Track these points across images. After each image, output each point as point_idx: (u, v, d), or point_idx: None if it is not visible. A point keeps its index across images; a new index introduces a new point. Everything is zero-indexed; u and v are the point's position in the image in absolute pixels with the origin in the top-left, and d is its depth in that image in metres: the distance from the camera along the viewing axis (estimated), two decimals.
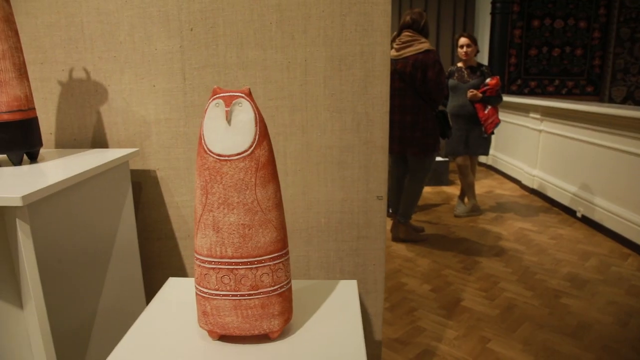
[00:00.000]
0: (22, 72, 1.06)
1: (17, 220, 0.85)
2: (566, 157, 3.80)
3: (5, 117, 1.04)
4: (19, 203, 0.83)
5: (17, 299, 1.12)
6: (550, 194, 4.02)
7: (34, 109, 1.09)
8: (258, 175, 0.81)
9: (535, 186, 4.26)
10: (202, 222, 0.83)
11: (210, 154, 0.80)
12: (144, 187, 1.33)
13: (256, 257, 0.83)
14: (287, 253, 0.87)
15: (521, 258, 3.05)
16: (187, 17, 1.24)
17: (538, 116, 4.13)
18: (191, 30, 1.24)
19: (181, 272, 1.38)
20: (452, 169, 4.92)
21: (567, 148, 3.79)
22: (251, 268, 0.83)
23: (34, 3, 1.25)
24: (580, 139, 3.61)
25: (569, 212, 3.74)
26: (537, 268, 2.91)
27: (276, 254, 0.84)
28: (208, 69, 1.26)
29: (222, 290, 0.83)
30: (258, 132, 0.80)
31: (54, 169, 1.05)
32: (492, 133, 3.51)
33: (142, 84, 1.28)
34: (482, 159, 5.01)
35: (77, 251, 1.21)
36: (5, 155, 1.09)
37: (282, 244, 0.85)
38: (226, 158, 0.80)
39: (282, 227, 0.85)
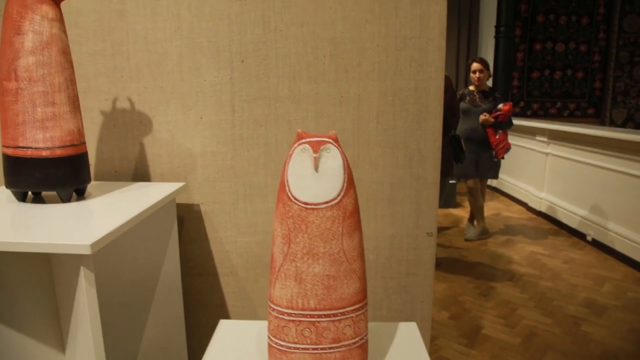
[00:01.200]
0: (75, 105, 1.02)
1: (82, 269, 0.80)
2: (574, 180, 3.82)
3: (58, 153, 0.99)
4: (87, 251, 0.78)
5: (58, 342, 1.07)
6: (559, 216, 4.02)
7: (85, 143, 1.05)
8: (345, 224, 0.77)
9: (542, 209, 4.27)
10: (283, 272, 0.79)
11: (296, 201, 0.76)
12: (186, 222, 1.28)
13: (339, 308, 0.79)
14: (367, 303, 0.83)
15: (536, 283, 3.03)
16: (238, 49, 1.21)
17: (545, 139, 4.15)
18: (242, 61, 1.21)
19: (222, 311, 1.33)
20: (459, 191, 4.92)
21: (575, 171, 3.81)
22: (334, 320, 0.79)
23: (79, 30, 1.21)
24: (588, 162, 3.63)
25: (579, 235, 3.75)
26: (554, 294, 2.88)
27: (359, 305, 0.81)
28: (258, 102, 1.22)
29: (302, 344, 0.79)
30: (346, 180, 0.77)
31: (109, 208, 1.00)
32: (503, 158, 3.51)
33: (189, 115, 1.24)
34: (488, 181, 5.02)
35: (124, 291, 1.16)
36: (51, 191, 1.04)
37: (364, 294, 0.81)
38: (313, 206, 0.76)
39: (364, 277, 0.82)
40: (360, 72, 1.21)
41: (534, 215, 4.41)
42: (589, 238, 3.62)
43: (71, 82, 1.01)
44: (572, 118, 5.26)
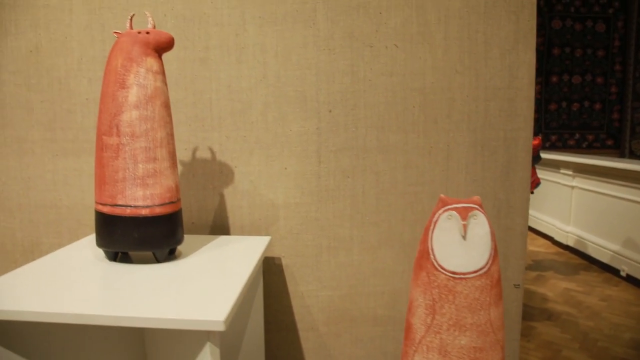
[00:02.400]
0: (174, 159, 0.98)
1: (208, 344, 0.74)
2: (603, 213, 3.78)
3: (158, 211, 0.95)
4: (220, 328, 0.72)
5: None
6: (589, 251, 3.96)
7: (180, 199, 1.01)
8: (492, 293, 0.73)
9: (570, 243, 4.21)
10: (425, 344, 0.74)
11: (442, 271, 0.72)
12: (266, 275, 1.23)
13: None
14: None
15: (576, 322, 2.95)
16: (325, 98, 1.18)
17: (570, 172, 4.13)
18: (330, 111, 1.18)
19: None
20: None
21: (603, 204, 3.77)
22: None
23: None
24: (616, 195, 3.59)
25: (611, 270, 3.68)
26: (597, 334, 2.81)
27: None
28: (345, 152, 1.19)
29: None
30: (493, 247, 0.73)
31: (211, 270, 0.94)
32: (532, 192, 3.48)
33: (272, 166, 1.20)
34: None
35: None
36: (147, 251, 0.99)
37: None
38: (461, 276, 0.72)
39: (504, 347, 0.77)
40: (450, 122, 1.18)
41: (560, 250, 4.35)
42: (623, 273, 3.56)
43: (171, 136, 0.98)
44: (591, 150, 5.26)
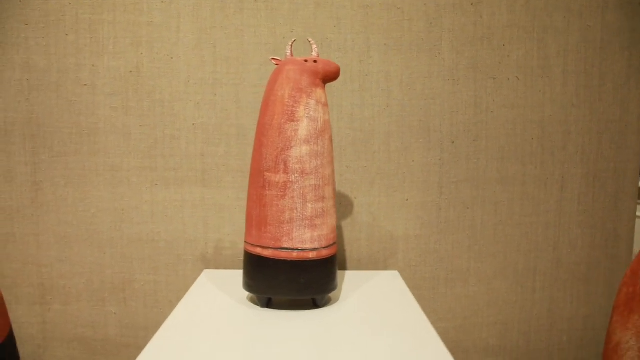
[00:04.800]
0: (335, 197, 0.93)
1: None
2: None
3: (324, 254, 0.89)
4: None
5: None
6: None
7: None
8: None
9: None
10: None
11: None
12: None
13: None
14: None
15: None
16: (449, 129, 1.16)
17: None
18: (452, 142, 1.17)
19: None
20: None
21: None
22: None
23: None
24: None
25: None
26: None
27: None
28: (466, 184, 1.18)
29: None
30: None
31: (379, 316, 0.89)
32: None
33: (393, 197, 1.17)
34: None
35: None
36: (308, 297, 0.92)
37: None
38: None
39: None
40: (565, 154, 1.20)
41: None
42: None
43: (334, 172, 0.92)
44: None
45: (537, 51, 1.17)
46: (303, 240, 0.87)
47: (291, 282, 0.88)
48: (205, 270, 1.12)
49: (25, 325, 1.20)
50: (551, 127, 1.19)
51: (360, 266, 1.18)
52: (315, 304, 0.91)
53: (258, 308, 0.91)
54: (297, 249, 0.87)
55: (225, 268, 1.17)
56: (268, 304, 0.91)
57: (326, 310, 0.91)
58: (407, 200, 1.17)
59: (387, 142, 1.16)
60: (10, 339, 0.93)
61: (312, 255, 0.87)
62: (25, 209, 1.17)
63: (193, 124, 1.14)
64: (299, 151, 0.86)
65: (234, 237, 1.16)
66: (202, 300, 0.94)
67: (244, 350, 0.75)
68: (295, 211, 0.86)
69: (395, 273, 1.12)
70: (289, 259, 0.87)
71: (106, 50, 1.12)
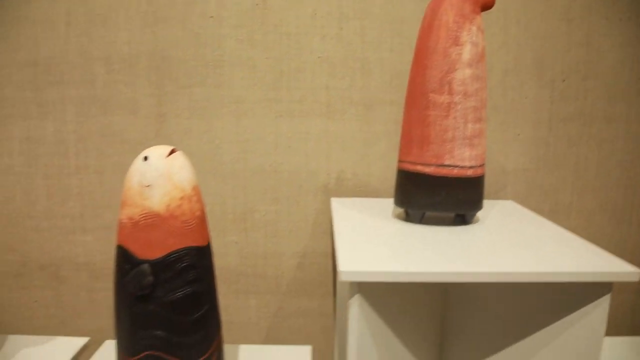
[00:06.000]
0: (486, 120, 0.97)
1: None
2: None
3: (479, 172, 0.94)
4: (635, 278, 0.75)
5: None
6: None
7: None
8: None
9: None
10: None
11: None
12: None
13: None
14: None
15: None
16: (560, 68, 1.21)
17: None
18: (563, 81, 1.22)
19: None
20: None
21: None
22: None
23: (402, 40, 1.16)
24: None
25: None
26: None
27: None
28: (573, 121, 1.24)
29: None
30: None
31: (504, 227, 0.95)
32: None
33: (507, 132, 1.22)
34: None
35: None
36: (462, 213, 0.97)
37: None
38: None
39: None
40: None
41: None
42: None
43: (487, 96, 0.97)
44: None
45: None
46: (463, 158, 0.92)
47: (450, 197, 0.92)
48: (333, 198, 1.16)
49: None
50: None
51: None
52: (464, 221, 0.97)
53: (411, 224, 0.96)
54: (457, 166, 0.91)
55: (348, 196, 1.21)
56: (421, 219, 0.96)
57: (476, 227, 0.96)
58: (518, 135, 1.23)
59: (503, 79, 1.20)
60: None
61: (469, 172, 0.92)
62: (149, 140, 1.19)
63: (318, 57, 1.17)
64: (463, 74, 0.90)
65: (356, 168, 1.21)
66: (355, 222, 0.98)
67: (424, 253, 0.80)
68: (457, 130, 0.91)
69: (511, 202, 1.17)
70: (449, 176, 0.91)
71: None
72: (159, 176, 0.70)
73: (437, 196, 0.93)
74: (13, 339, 1.07)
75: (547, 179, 1.25)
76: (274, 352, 1.04)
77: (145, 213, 0.70)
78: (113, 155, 1.21)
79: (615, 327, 1.31)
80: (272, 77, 1.17)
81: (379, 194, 1.22)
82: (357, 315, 0.74)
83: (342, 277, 0.70)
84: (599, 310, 0.76)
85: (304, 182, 1.21)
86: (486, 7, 0.94)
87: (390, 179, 1.22)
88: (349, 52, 1.17)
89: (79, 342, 1.06)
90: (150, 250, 0.70)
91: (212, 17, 1.15)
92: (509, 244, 0.85)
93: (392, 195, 1.21)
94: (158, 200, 0.70)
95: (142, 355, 0.73)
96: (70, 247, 1.27)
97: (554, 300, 0.82)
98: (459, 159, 0.92)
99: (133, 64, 1.17)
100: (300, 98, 1.18)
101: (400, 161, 0.97)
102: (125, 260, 0.72)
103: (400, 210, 1.03)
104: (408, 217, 0.99)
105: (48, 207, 1.25)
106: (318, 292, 1.27)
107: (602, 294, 0.75)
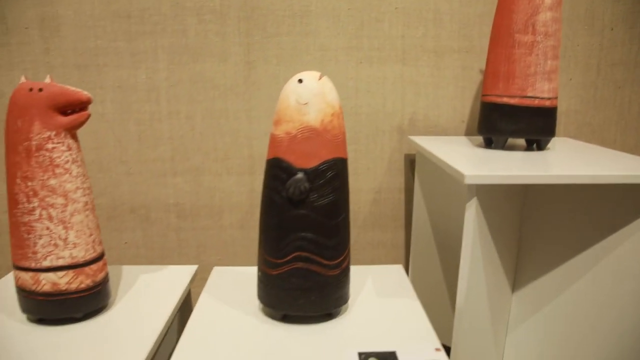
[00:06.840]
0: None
1: None
2: None
3: (555, 103, 1.08)
4: None
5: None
6: None
7: None
8: None
9: None
10: None
11: None
12: None
13: None
14: None
15: None
16: (610, 17, 1.35)
17: None
18: (611, 29, 1.35)
19: None
20: None
21: None
22: None
23: None
24: None
25: None
26: None
27: None
28: (620, 66, 1.38)
29: None
30: None
31: (576, 156, 1.10)
32: None
33: (560, 76, 1.36)
34: None
35: None
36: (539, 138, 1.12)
37: None
38: None
39: None
40: None
41: None
42: None
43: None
44: None
45: None
46: (542, 90, 1.05)
47: (531, 124, 1.07)
48: (410, 136, 1.30)
49: (235, 194, 1.36)
50: None
51: None
52: (539, 147, 1.11)
53: (494, 151, 1.09)
54: (538, 97, 1.05)
55: (421, 135, 1.34)
56: (504, 145, 1.10)
57: (549, 152, 1.10)
58: (570, 79, 1.36)
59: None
60: None
61: (547, 103, 1.06)
62: (238, 86, 1.31)
63: (395, 8, 1.28)
64: (545, 16, 1.03)
65: (427, 110, 1.34)
66: (447, 149, 1.11)
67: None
68: (538, 66, 1.04)
69: (566, 139, 1.32)
70: (531, 106, 1.05)
71: None
72: (314, 95, 0.82)
73: (521, 123, 1.07)
74: (127, 269, 1.17)
75: (595, 119, 1.40)
76: (372, 270, 1.17)
77: (303, 127, 0.82)
78: (203, 101, 1.32)
79: None
80: (354, 26, 1.28)
81: (447, 132, 1.35)
82: (474, 216, 0.88)
83: (467, 180, 0.84)
84: None
85: (381, 123, 1.34)
86: None
87: (457, 119, 1.35)
88: (422, 4, 1.29)
89: (191, 269, 1.16)
90: (306, 160, 0.83)
91: None
92: (585, 160, 1.00)
93: (459, 134, 1.35)
94: (314, 116, 0.82)
95: (291, 256, 0.86)
96: (160, 189, 1.38)
97: (627, 203, 0.98)
98: (540, 91, 1.05)
99: (224, 14, 1.27)
100: (378, 46, 1.30)
101: (484, 95, 1.10)
102: (281, 170, 0.84)
103: (480, 140, 1.17)
104: (489, 145, 1.13)
105: (139, 152, 1.35)
106: (391, 225, 1.41)
107: None
